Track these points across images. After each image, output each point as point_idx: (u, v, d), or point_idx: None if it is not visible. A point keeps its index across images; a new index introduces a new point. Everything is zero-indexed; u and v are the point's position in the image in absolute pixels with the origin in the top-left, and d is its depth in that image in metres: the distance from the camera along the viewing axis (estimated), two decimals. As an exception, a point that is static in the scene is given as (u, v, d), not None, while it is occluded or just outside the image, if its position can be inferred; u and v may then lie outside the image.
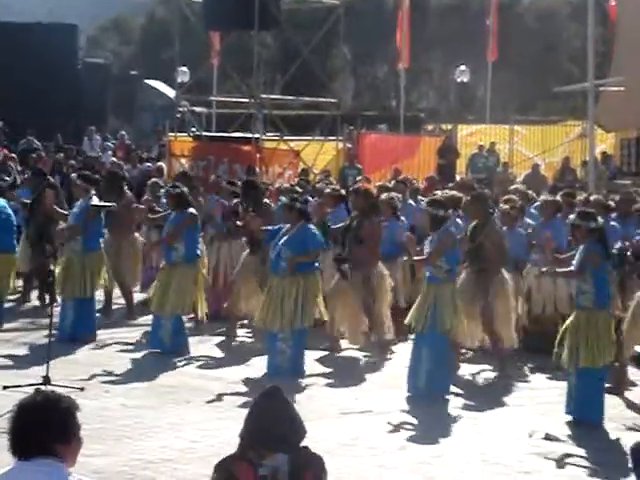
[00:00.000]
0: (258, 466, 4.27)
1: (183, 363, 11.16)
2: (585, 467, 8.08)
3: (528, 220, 12.76)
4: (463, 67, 33.07)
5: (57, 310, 11.75)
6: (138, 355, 11.44)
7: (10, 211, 12.82)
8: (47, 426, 4.01)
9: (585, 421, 9.14)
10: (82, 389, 9.38)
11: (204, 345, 12.10)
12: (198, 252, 11.83)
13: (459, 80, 33.59)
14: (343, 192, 13.90)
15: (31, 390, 4.25)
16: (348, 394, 10.12)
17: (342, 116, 23.15)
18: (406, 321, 10.25)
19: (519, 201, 12.80)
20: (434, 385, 9.88)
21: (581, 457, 8.29)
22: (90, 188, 12.30)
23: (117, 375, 10.48)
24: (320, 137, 22.84)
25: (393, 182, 16.19)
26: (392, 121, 30.82)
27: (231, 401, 9.55)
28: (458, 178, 22.08)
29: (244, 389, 10.04)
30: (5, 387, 9.34)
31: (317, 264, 11.03)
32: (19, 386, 9.12)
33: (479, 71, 36.34)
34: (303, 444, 4.41)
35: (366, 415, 9.35)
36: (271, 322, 10.67)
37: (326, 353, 11.73)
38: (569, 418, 9.23)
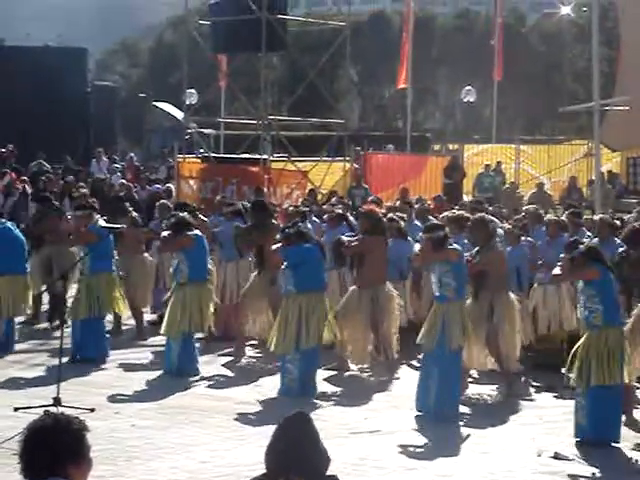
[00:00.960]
0: None
1: (193, 383, 11.23)
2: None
3: (529, 239, 12.73)
4: (469, 87, 33.21)
5: (68, 331, 11.85)
6: (148, 376, 11.50)
7: (19, 233, 12.95)
8: (57, 448, 4.03)
9: (602, 441, 9.06)
10: (92, 410, 9.43)
11: (213, 365, 12.15)
12: (205, 272, 11.90)
13: (465, 100, 33.74)
14: (340, 211, 14.02)
15: (42, 411, 4.30)
16: (357, 414, 10.15)
17: (349, 136, 23.27)
18: (417, 340, 10.30)
19: (523, 220, 12.87)
20: (443, 404, 9.89)
21: (590, 477, 8.32)
22: (92, 213, 12.43)
23: (127, 396, 10.54)
24: (327, 157, 22.95)
25: (398, 203, 16.27)
26: (399, 141, 30.93)
27: (241, 421, 9.61)
28: (465, 198, 22.15)
29: (254, 409, 10.08)
30: (16, 409, 9.39)
31: (323, 282, 11.09)
32: (30, 407, 9.18)
33: (485, 91, 36.47)
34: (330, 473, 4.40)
35: (374, 435, 9.38)
36: (277, 344, 10.75)
37: (334, 373, 11.78)
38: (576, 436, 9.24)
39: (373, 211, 12.45)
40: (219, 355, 12.57)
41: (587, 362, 9.09)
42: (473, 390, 11.14)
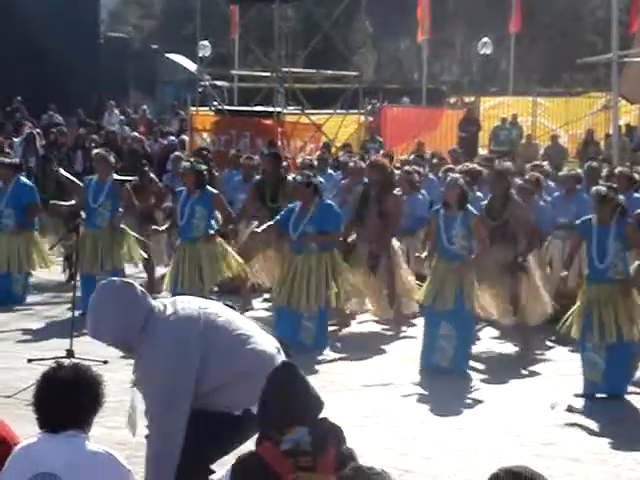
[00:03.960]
0: (279, 442, 4.27)
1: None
2: (603, 438, 8.08)
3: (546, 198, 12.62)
4: (486, 39, 32.88)
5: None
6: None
7: (31, 189, 12.99)
8: (76, 400, 4.08)
9: (615, 394, 9.03)
10: (105, 362, 9.43)
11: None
12: (215, 227, 11.84)
13: (482, 52, 33.41)
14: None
15: (55, 363, 4.29)
16: (369, 367, 10.15)
17: (364, 89, 23.10)
18: (422, 299, 10.17)
19: (536, 174, 12.74)
20: (461, 362, 9.85)
21: (603, 429, 8.30)
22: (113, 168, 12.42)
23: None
24: (342, 110, 22.81)
25: (412, 156, 16.17)
26: (414, 94, 30.73)
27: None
28: (481, 151, 22.02)
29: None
30: (29, 360, 9.43)
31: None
32: (43, 359, 9.19)
33: (502, 43, 36.14)
34: (322, 415, 4.42)
35: (387, 387, 9.39)
36: (297, 301, 10.63)
37: (348, 327, 11.76)
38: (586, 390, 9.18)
39: (383, 163, 12.29)
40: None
41: (607, 317, 8.96)
42: (487, 343, 11.13)
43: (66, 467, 3.96)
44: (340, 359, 10.40)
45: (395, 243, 11.79)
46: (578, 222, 9.71)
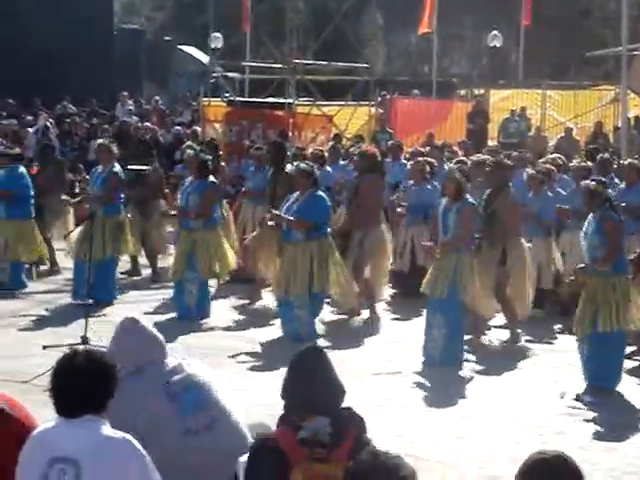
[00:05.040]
0: (298, 429, 4.26)
1: (209, 326, 11.30)
2: (612, 427, 8.16)
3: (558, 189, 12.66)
4: (495, 32, 32.86)
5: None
6: (167, 317, 11.58)
7: (28, 180, 13.04)
8: (88, 384, 4.11)
9: (600, 387, 9.05)
10: (120, 349, 9.53)
11: (229, 307, 12.27)
12: (217, 218, 11.92)
13: (491, 45, 33.38)
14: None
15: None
16: (379, 356, 10.24)
17: (374, 81, 23.14)
18: (422, 289, 10.18)
19: (548, 166, 12.81)
20: (448, 352, 9.85)
21: (608, 418, 8.37)
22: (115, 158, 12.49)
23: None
24: (353, 102, 22.86)
25: (428, 148, 16.22)
26: (424, 86, 30.73)
27: (263, 360, 9.75)
28: (490, 143, 22.06)
29: (275, 349, 10.19)
30: (44, 347, 9.54)
31: (328, 229, 11.00)
32: (58, 346, 9.30)
33: (511, 36, 36.10)
34: (344, 405, 4.41)
35: (397, 376, 9.47)
36: (286, 289, 10.68)
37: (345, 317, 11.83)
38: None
39: (371, 151, 12.33)
40: (238, 298, 12.64)
41: (593, 310, 9.01)
42: (491, 333, 11.19)
43: (83, 451, 4.00)
44: (349, 348, 10.47)
45: (384, 233, 11.81)
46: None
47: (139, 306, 12.13)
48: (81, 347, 4.44)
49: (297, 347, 9.15)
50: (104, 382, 4.15)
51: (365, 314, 11.90)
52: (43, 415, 4.54)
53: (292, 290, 10.64)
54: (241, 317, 11.86)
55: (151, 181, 13.67)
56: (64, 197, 14.05)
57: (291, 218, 10.66)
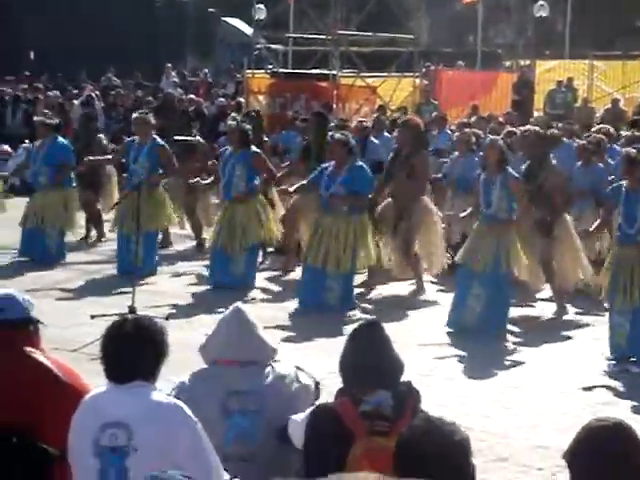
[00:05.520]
0: (359, 402, 4.23)
1: (255, 296, 11.32)
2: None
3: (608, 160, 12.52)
4: (542, 1, 32.48)
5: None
6: (208, 288, 11.61)
7: (70, 149, 13.13)
8: (137, 349, 4.16)
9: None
10: (167, 319, 9.60)
11: (270, 278, 12.28)
12: (257, 185, 11.93)
13: (537, 15, 33.02)
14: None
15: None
16: (424, 327, 10.23)
17: (419, 52, 22.99)
18: (458, 259, 10.13)
19: (599, 136, 12.65)
20: (489, 325, 9.81)
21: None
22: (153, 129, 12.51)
23: (196, 306, 10.71)
24: (397, 73, 22.74)
25: (474, 118, 16.10)
26: (469, 57, 30.49)
27: (307, 331, 9.77)
28: (536, 114, 21.86)
29: (317, 320, 10.20)
30: (92, 316, 9.62)
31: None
32: (106, 315, 9.37)
33: (558, 5, 35.65)
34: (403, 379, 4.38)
35: (442, 347, 9.47)
36: (324, 261, 10.63)
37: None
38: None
39: (416, 122, 12.22)
40: (275, 269, 12.67)
41: (632, 280, 8.89)
42: (539, 308, 11.14)
43: (134, 416, 4.04)
44: (394, 319, 10.40)
45: (428, 203, 11.76)
46: (610, 188, 9.67)
47: (180, 278, 12.21)
48: (129, 315, 4.46)
49: (328, 318, 9.25)
50: (153, 348, 4.20)
51: (402, 287, 11.86)
52: (93, 383, 4.58)
53: (329, 263, 10.60)
54: (281, 288, 11.87)
55: (195, 152, 13.72)
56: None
57: (343, 194, 10.59)
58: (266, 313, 10.51)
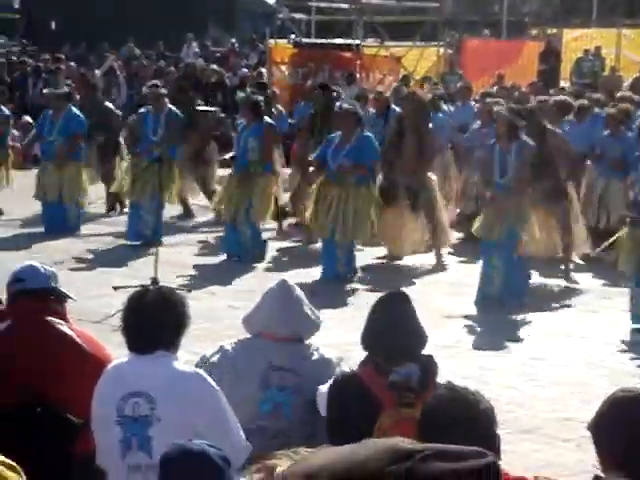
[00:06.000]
0: (388, 372, 4.24)
1: (263, 267, 11.27)
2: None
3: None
4: (569, -31, 32.11)
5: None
6: (219, 259, 11.59)
7: (83, 120, 13.11)
8: (159, 319, 4.14)
9: None
10: (190, 290, 9.59)
11: (285, 250, 12.23)
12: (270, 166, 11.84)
13: (564, -17, 32.65)
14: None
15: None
16: (448, 299, 10.16)
17: (443, 21, 22.80)
18: (475, 231, 10.09)
19: (626, 105, 12.50)
20: (507, 295, 9.77)
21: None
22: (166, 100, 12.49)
23: (219, 278, 10.67)
24: (421, 43, 22.57)
25: (496, 88, 15.95)
26: (494, 26, 30.21)
27: (332, 302, 9.73)
28: (562, 84, 21.66)
29: (341, 289, 10.16)
30: (115, 288, 9.62)
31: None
32: (128, 287, 9.37)
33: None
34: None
35: (467, 319, 9.42)
36: (332, 231, 10.62)
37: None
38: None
39: (418, 94, 12.09)
40: (292, 241, 12.62)
41: None
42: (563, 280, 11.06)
43: (156, 386, 4.04)
44: (416, 292, 10.38)
45: (432, 178, 11.66)
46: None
47: (201, 249, 12.19)
48: (151, 286, 4.44)
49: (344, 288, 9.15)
50: (174, 318, 4.19)
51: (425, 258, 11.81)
52: (116, 354, 4.58)
53: (338, 232, 10.56)
54: (296, 259, 11.80)
55: (206, 124, 13.68)
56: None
57: (348, 165, 10.54)
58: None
